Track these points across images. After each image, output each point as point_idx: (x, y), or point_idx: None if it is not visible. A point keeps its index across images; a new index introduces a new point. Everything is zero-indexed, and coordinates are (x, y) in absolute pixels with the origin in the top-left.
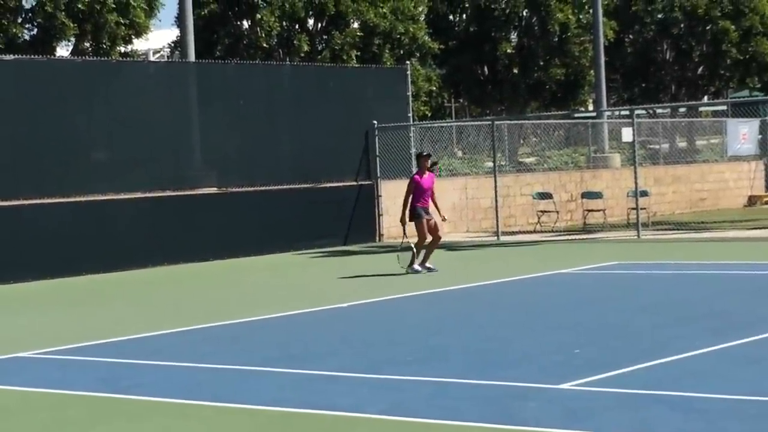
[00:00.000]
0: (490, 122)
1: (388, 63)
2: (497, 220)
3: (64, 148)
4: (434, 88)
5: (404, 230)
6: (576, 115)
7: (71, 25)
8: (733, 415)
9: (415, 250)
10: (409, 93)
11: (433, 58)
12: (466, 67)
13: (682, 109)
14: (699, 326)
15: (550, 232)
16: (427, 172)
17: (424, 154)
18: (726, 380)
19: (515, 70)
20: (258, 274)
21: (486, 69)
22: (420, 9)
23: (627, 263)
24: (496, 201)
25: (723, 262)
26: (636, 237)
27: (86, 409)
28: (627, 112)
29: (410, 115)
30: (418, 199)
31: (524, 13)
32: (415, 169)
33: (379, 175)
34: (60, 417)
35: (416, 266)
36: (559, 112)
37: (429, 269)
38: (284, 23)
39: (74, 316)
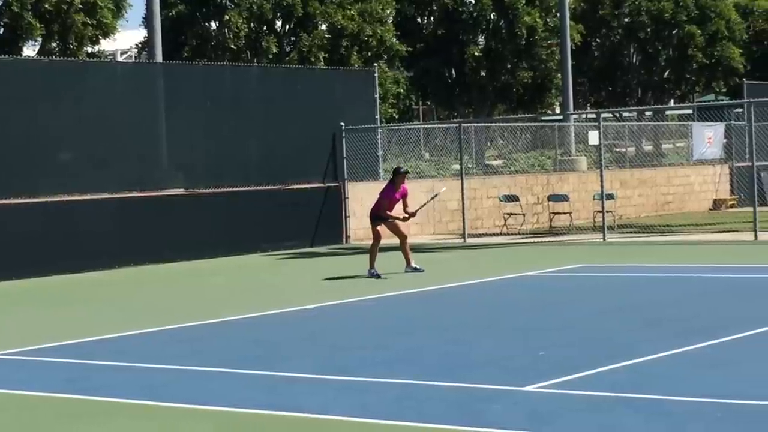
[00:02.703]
0: (457, 125)
1: (356, 65)
2: (464, 223)
3: (30, 148)
4: (402, 91)
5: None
6: (543, 118)
7: (38, 25)
8: (697, 417)
9: (370, 255)
10: (377, 95)
11: (400, 61)
12: (434, 70)
13: (648, 113)
14: (664, 329)
15: (516, 234)
16: (401, 186)
17: (402, 171)
18: (690, 383)
19: (483, 73)
20: (224, 276)
21: (453, 72)
22: (388, 12)
23: (593, 266)
24: (463, 203)
25: (688, 265)
26: (602, 240)
27: (51, 410)
28: (593, 116)
29: (378, 117)
30: (386, 208)
31: (492, 17)
32: (381, 172)
33: (346, 177)
34: (24, 418)
35: (374, 271)
36: (526, 115)
37: (415, 269)
38: (252, 25)
39: (40, 317)
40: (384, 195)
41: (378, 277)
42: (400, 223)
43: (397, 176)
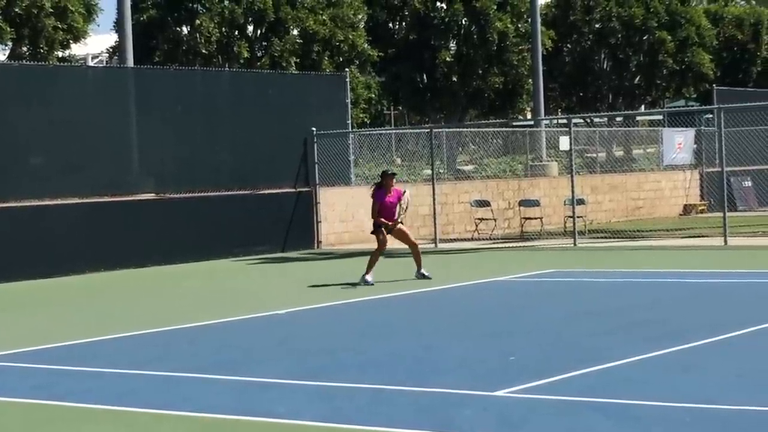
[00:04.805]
0: (428, 130)
1: (328, 70)
2: (435, 228)
3: (0, 153)
4: (373, 96)
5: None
6: (514, 123)
7: (8, 29)
8: (667, 422)
9: (369, 260)
10: (348, 100)
11: (372, 66)
12: (406, 75)
13: (619, 118)
14: (634, 334)
15: (487, 239)
16: (392, 189)
17: (390, 173)
18: (660, 387)
19: (454, 78)
20: (196, 281)
21: (425, 77)
22: (359, 17)
23: (563, 271)
24: (434, 208)
25: (658, 270)
26: (572, 245)
27: (21, 416)
28: (564, 121)
29: (349, 122)
30: (382, 215)
31: (463, 22)
32: (353, 177)
33: (317, 181)
34: None
35: (368, 278)
36: (498, 120)
37: (423, 276)
38: (224, 29)
39: (10, 322)
40: (375, 199)
41: (370, 284)
42: (406, 230)
43: (385, 178)
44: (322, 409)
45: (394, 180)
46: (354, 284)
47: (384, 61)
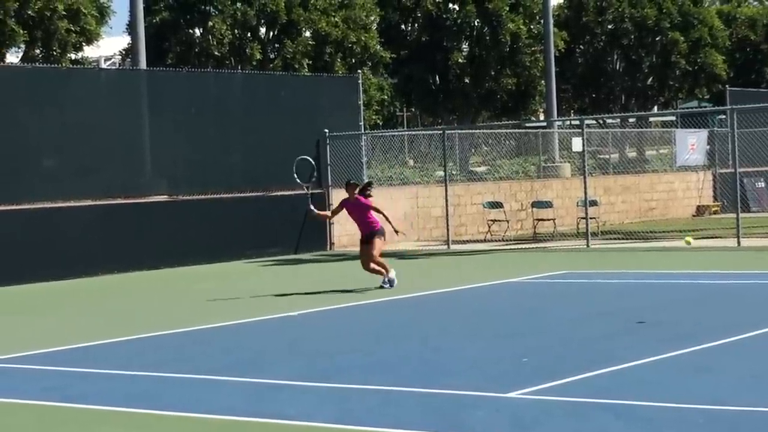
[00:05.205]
0: (441, 131)
1: (340, 72)
2: (448, 229)
3: (13, 155)
4: (386, 97)
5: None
6: (527, 124)
7: (21, 31)
8: (680, 423)
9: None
10: (361, 102)
11: (384, 68)
12: (418, 77)
13: (631, 120)
14: (646, 335)
15: (500, 241)
16: (358, 198)
17: (351, 182)
18: (673, 389)
19: (467, 80)
20: (208, 283)
21: (438, 78)
22: (372, 18)
23: (576, 272)
24: (447, 210)
25: (671, 271)
26: (585, 246)
27: (33, 419)
28: (577, 122)
29: (362, 123)
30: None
31: (476, 23)
32: (365, 178)
33: (330, 183)
34: (6, 426)
35: (391, 276)
36: (510, 122)
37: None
38: (236, 31)
39: (23, 324)
40: (341, 206)
41: (392, 284)
42: (375, 245)
43: (346, 187)
44: (333, 410)
45: (356, 190)
46: (362, 288)
47: (396, 63)
